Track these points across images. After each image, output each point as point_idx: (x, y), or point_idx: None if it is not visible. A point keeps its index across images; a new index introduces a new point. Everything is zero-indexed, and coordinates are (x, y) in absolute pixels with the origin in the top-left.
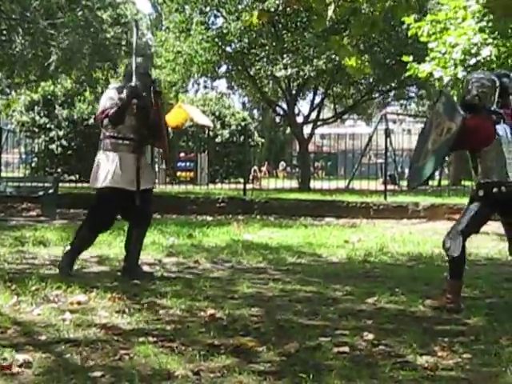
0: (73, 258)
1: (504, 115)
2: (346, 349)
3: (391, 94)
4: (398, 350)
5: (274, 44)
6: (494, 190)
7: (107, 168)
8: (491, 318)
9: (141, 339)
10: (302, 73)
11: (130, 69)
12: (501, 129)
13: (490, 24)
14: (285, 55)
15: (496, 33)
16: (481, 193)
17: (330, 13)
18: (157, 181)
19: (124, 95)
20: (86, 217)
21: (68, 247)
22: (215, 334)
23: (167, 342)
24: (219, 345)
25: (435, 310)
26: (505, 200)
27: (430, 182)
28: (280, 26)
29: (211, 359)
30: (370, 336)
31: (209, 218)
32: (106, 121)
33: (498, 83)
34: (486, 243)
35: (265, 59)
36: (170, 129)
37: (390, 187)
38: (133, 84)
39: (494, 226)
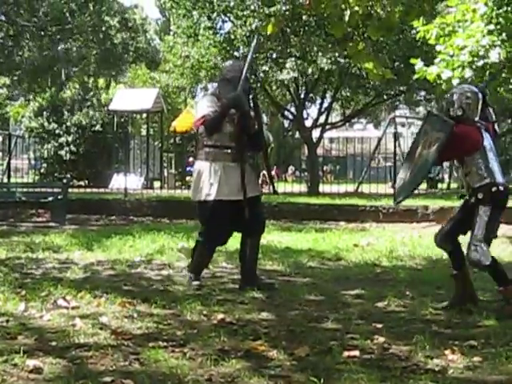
0: (196, 277)
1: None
2: (357, 352)
3: (400, 97)
4: (409, 354)
5: (281, 48)
6: (493, 189)
7: (210, 179)
8: (502, 322)
9: (151, 344)
10: (306, 76)
11: (231, 75)
12: (486, 137)
13: (499, 27)
14: (290, 59)
15: (504, 35)
16: (480, 195)
17: (346, 18)
18: (166, 185)
19: (227, 102)
20: (199, 234)
21: (186, 271)
22: (225, 338)
23: (178, 346)
24: (230, 349)
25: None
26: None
27: (440, 185)
28: (288, 30)
29: (222, 364)
30: (381, 339)
31: None
32: (201, 128)
33: (480, 96)
34: (496, 246)
35: (271, 63)
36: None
37: None
38: (238, 92)
39: (504, 229)
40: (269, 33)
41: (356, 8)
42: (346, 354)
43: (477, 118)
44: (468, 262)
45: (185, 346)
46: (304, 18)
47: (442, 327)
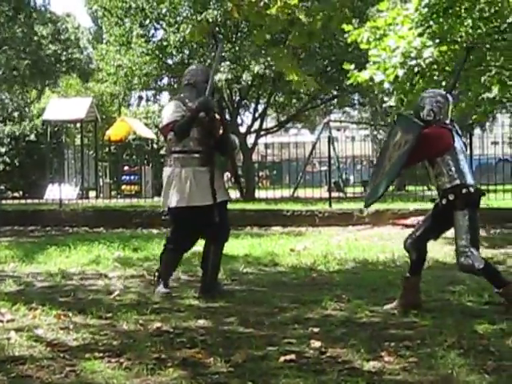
0: (165, 283)
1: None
2: (294, 357)
3: (334, 101)
4: (345, 357)
5: (213, 54)
6: (464, 190)
7: (181, 186)
8: (437, 321)
9: (87, 355)
10: (239, 81)
11: (195, 79)
12: (456, 139)
13: (429, 30)
14: (223, 63)
15: (435, 38)
16: (451, 197)
17: (268, 25)
18: (101, 195)
19: (196, 106)
20: (167, 240)
21: (156, 275)
22: (162, 347)
23: (114, 357)
24: (166, 358)
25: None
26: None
27: None
28: (221, 36)
29: (158, 373)
30: (317, 344)
31: (154, 231)
32: (170, 135)
33: (450, 99)
34: (432, 246)
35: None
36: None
37: (335, 194)
38: (207, 96)
39: None
40: (196, 37)
41: (279, 15)
42: (282, 358)
43: (447, 121)
44: (460, 269)
45: (121, 356)
46: (235, 24)
47: (378, 329)
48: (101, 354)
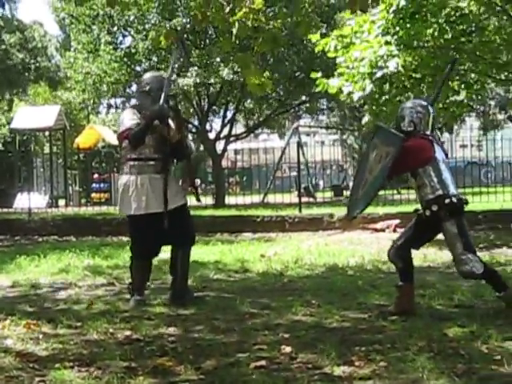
0: (139, 293)
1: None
2: (264, 363)
3: (302, 107)
4: (316, 362)
5: (182, 60)
6: (447, 201)
7: (138, 193)
8: (407, 325)
9: (57, 365)
10: (208, 87)
11: (151, 86)
12: (438, 149)
13: (396, 37)
14: (192, 68)
15: (402, 45)
16: (434, 207)
17: (234, 31)
18: (71, 203)
19: (150, 114)
20: (130, 249)
21: (130, 288)
22: (132, 355)
23: (84, 366)
24: (136, 367)
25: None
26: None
27: (345, 193)
28: (189, 42)
29: (128, 382)
30: (288, 349)
31: (125, 239)
32: (125, 142)
33: (431, 109)
34: None
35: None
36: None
37: (305, 199)
38: (161, 104)
39: None
40: (162, 43)
41: (247, 22)
42: (253, 365)
43: (428, 132)
44: (461, 276)
45: (91, 366)
46: (203, 30)
47: (348, 334)
48: (70, 364)
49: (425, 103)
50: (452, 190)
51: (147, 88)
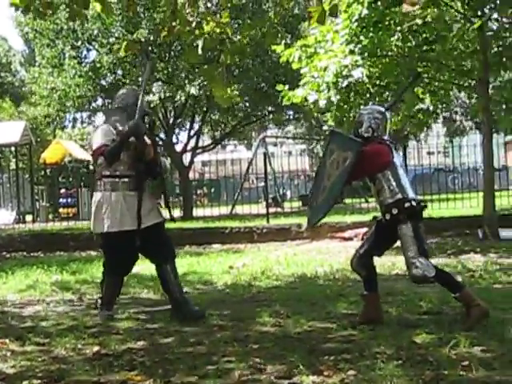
0: (107, 308)
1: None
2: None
3: (269, 117)
4: (285, 373)
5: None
6: (406, 204)
7: (112, 210)
8: (375, 333)
9: (25, 382)
10: (174, 101)
11: (126, 102)
12: (395, 154)
13: (360, 46)
14: (156, 83)
15: (366, 54)
16: (394, 211)
17: (200, 44)
18: (38, 218)
19: (126, 131)
20: (103, 265)
21: (99, 303)
22: (101, 371)
23: (52, 383)
24: (105, 382)
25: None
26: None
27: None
28: (154, 55)
29: None
30: (257, 360)
31: (93, 253)
32: (101, 159)
33: (388, 115)
34: None
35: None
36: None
37: (272, 210)
38: (136, 120)
39: None
40: (123, 54)
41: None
42: (222, 377)
43: (385, 137)
44: (413, 281)
45: (59, 382)
46: (168, 43)
47: (317, 343)
48: (39, 381)
49: (382, 109)
50: (411, 194)
51: (122, 104)
